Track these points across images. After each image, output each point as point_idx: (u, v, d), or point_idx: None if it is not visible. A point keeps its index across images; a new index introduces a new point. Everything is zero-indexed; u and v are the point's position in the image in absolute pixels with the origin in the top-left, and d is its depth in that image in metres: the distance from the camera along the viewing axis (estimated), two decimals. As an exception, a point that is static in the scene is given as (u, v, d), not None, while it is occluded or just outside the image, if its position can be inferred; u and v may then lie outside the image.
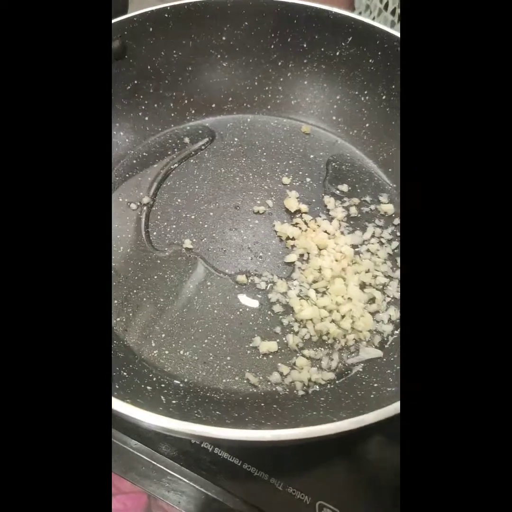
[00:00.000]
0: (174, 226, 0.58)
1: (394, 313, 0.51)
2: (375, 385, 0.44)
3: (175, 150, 0.65)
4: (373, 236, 0.57)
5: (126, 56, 0.61)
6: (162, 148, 0.65)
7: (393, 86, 0.62)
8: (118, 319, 0.50)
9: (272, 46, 0.66)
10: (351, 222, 0.58)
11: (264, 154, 0.65)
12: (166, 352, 0.48)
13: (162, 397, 0.43)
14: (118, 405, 0.34)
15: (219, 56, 0.67)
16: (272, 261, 0.55)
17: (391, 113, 0.63)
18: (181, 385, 0.46)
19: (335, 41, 0.64)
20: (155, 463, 0.45)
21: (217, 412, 0.42)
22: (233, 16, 0.64)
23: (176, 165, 0.63)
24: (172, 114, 0.67)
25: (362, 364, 0.47)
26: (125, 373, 0.44)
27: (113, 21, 0.58)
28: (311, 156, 0.65)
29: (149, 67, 0.64)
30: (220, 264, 0.54)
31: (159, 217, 0.58)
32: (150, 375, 0.46)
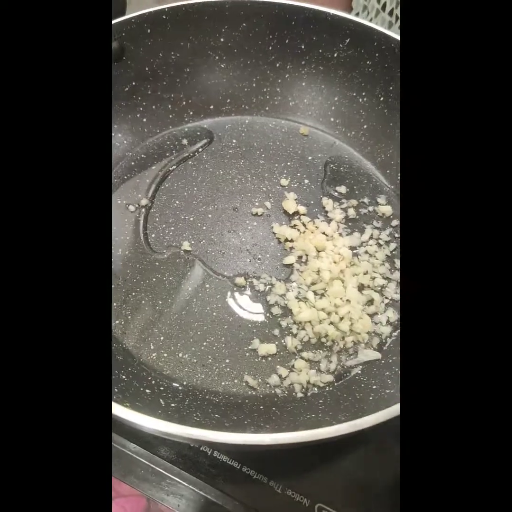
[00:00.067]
0: (172, 228, 0.57)
1: (393, 314, 0.51)
2: (374, 387, 0.44)
3: (173, 151, 0.65)
4: (371, 237, 0.57)
5: (124, 58, 0.61)
6: (160, 150, 0.65)
7: (391, 88, 0.62)
8: (116, 321, 0.50)
9: (270, 48, 0.66)
10: (349, 223, 0.58)
11: (262, 155, 0.65)
12: (165, 355, 0.48)
13: (161, 400, 0.43)
14: (117, 409, 0.34)
15: (217, 57, 0.67)
16: (271, 263, 0.55)
17: (389, 114, 0.63)
18: (180, 388, 0.46)
19: (333, 42, 0.63)
20: (154, 467, 0.45)
21: (216, 415, 0.42)
22: (231, 17, 0.63)
23: (174, 167, 0.63)
24: (170, 116, 0.67)
25: (361, 366, 0.48)
26: (123, 376, 0.44)
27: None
28: (309, 157, 0.65)
29: (147, 69, 0.64)
30: (218, 266, 0.54)
31: (157, 219, 0.58)
32: (149, 378, 0.46)
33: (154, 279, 0.53)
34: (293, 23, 0.63)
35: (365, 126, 0.65)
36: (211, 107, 0.69)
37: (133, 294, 0.52)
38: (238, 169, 0.63)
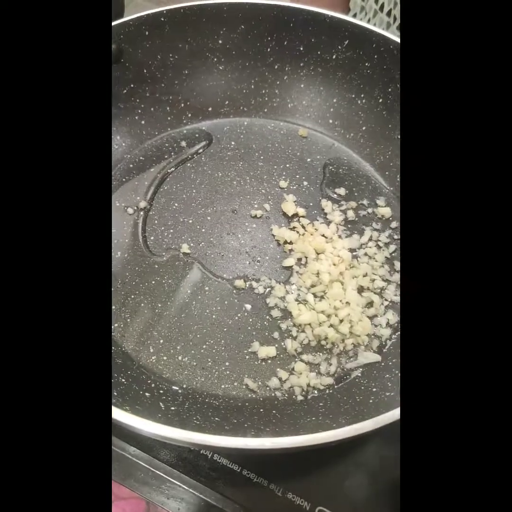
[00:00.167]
0: (171, 230, 0.57)
1: (392, 317, 0.51)
2: (374, 390, 0.44)
3: (172, 154, 0.65)
4: (370, 239, 0.57)
5: (122, 60, 0.61)
6: (159, 152, 0.65)
7: (390, 89, 0.62)
8: (115, 324, 0.50)
9: (269, 50, 0.66)
10: (349, 225, 0.58)
11: (261, 157, 0.65)
12: (164, 358, 0.48)
13: (160, 403, 0.43)
14: (117, 413, 0.34)
15: (215, 59, 0.67)
16: (270, 265, 0.55)
17: (387, 116, 0.63)
18: (180, 391, 0.46)
19: (332, 44, 0.63)
20: (154, 470, 0.45)
21: (216, 418, 0.42)
22: (229, 19, 0.63)
23: (173, 169, 0.63)
24: (169, 118, 0.67)
25: (361, 369, 0.47)
26: (123, 380, 0.44)
27: (109, 25, 0.58)
28: (308, 159, 0.65)
29: (145, 71, 0.64)
30: (218, 268, 0.54)
31: (156, 221, 0.58)
32: (149, 381, 0.46)
33: (153, 282, 0.53)
34: (291, 25, 0.63)
35: (364, 128, 0.65)
36: (210, 109, 0.69)
37: (132, 296, 0.52)
38: (237, 171, 0.63)
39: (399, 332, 0.50)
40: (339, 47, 0.63)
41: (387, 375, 0.46)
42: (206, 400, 0.45)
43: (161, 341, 0.49)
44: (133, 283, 0.53)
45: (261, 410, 0.44)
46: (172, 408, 0.43)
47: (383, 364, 0.47)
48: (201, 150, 0.65)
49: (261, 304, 0.52)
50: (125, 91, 0.63)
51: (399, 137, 0.61)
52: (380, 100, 0.63)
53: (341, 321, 0.49)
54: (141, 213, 0.59)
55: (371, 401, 0.43)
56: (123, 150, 0.64)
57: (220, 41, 0.65)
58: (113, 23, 0.58)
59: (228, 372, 0.47)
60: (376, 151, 0.64)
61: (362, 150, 0.65)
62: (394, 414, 0.34)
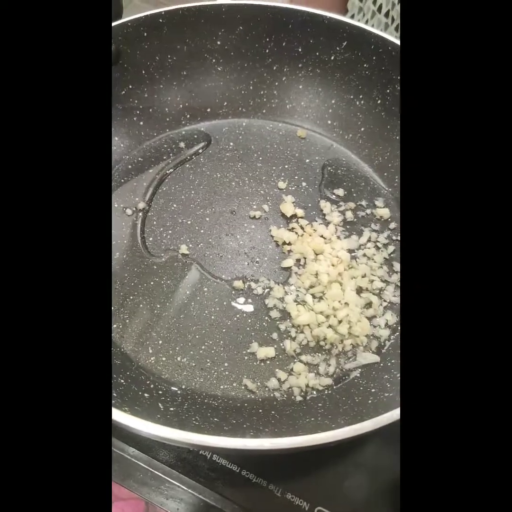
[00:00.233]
0: (170, 231, 0.57)
1: (391, 317, 0.51)
2: (373, 390, 0.44)
3: (171, 155, 0.65)
4: (369, 240, 0.57)
5: (120, 61, 0.61)
6: (158, 153, 0.65)
7: (388, 90, 0.62)
8: (114, 325, 0.50)
9: (267, 51, 0.66)
10: (347, 226, 0.58)
11: (260, 158, 0.65)
12: (163, 358, 0.48)
13: (159, 404, 0.43)
14: (116, 414, 0.34)
15: (214, 60, 0.67)
16: (269, 266, 0.55)
17: (386, 117, 0.63)
18: (179, 392, 0.46)
19: (330, 45, 0.64)
20: (153, 470, 0.45)
21: (215, 419, 0.42)
22: (227, 20, 0.64)
23: (171, 170, 0.63)
24: (167, 119, 0.67)
25: (360, 370, 0.48)
26: (122, 381, 0.44)
27: (108, 26, 0.58)
28: (307, 160, 0.65)
29: (143, 72, 0.64)
30: (216, 269, 0.54)
31: (155, 222, 0.58)
32: (148, 382, 0.46)
33: (152, 283, 0.53)
34: (289, 26, 0.64)
35: (362, 129, 0.65)
36: (208, 110, 0.69)
37: (131, 297, 0.52)
38: (236, 172, 0.63)
39: (398, 333, 0.50)
40: (338, 48, 0.63)
41: (386, 376, 0.46)
42: (205, 400, 0.45)
43: (160, 341, 0.49)
44: (132, 284, 0.53)
45: (260, 410, 0.45)
46: (171, 408, 0.43)
47: (382, 364, 0.47)
48: (199, 151, 0.65)
49: (260, 305, 0.52)
50: (123, 92, 0.63)
51: (397, 138, 0.62)
52: (379, 101, 0.63)
53: (340, 321, 0.49)
54: (140, 214, 0.59)
55: (370, 401, 0.43)
56: (121, 151, 0.64)
57: (218, 42, 0.65)
58: (112, 25, 0.58)
59: (227, 373, 0.47)
60: (375, 152, 0.64)
61: (360, 151, 0.65)
62: (393, 414, 0.34)
